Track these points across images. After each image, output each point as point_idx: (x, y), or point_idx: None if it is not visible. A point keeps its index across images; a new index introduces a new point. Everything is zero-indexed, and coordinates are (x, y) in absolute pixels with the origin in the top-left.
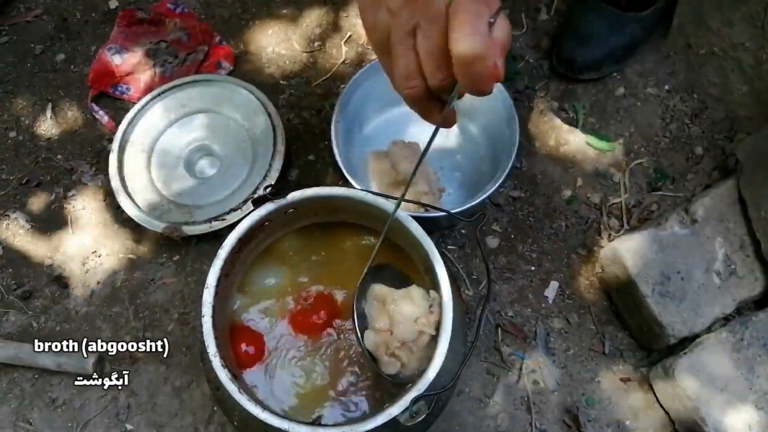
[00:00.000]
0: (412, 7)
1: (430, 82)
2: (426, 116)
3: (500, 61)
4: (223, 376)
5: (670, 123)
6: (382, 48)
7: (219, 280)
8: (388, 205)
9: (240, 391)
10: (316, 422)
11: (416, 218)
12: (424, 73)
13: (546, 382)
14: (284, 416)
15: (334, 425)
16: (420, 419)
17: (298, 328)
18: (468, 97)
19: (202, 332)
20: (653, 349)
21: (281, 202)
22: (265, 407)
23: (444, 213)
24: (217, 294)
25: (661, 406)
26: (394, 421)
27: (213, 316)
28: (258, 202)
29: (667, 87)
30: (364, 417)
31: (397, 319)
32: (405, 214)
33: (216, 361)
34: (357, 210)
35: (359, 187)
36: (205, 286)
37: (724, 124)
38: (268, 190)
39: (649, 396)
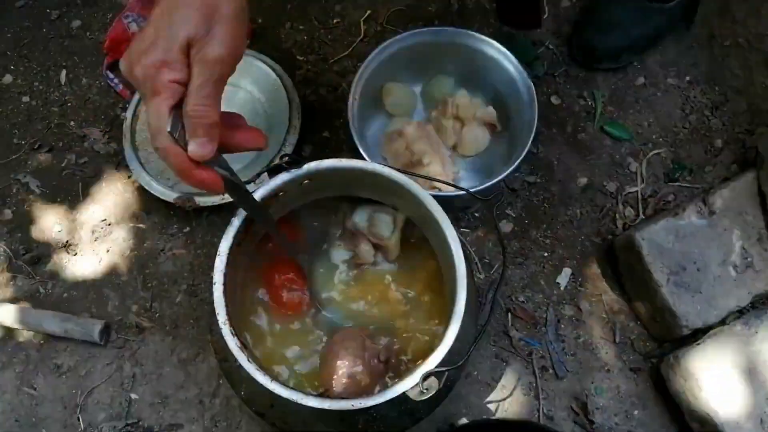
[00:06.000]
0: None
1: None
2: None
3: (198, 171)
4: (233, 344)
5: (690, 114)
6: None
7: (231, 248)
8: (405, 180)
9: (249, 360)
10: (325, 394)
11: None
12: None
13: (555, 369)
14: (293, 387)
15: (342, 398)
16: (429, 395)
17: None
18: (488, 77)
19: (212, 301)
20: (665, 339)
21: (297, 172)
22: (274, 378)
23: (461, 193)
24: (228, 262)
25: (671, 397)
26: (403, 396)
27: (224, 284)
28: (273, 172)
29: (688, 78)
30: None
31: None
32: (420, 189)
33: (225, 330)
34: (372, 184)
35: None
36: (218, 253)
37: (745, 117)
38: (285, 159)
39: (659, 387)
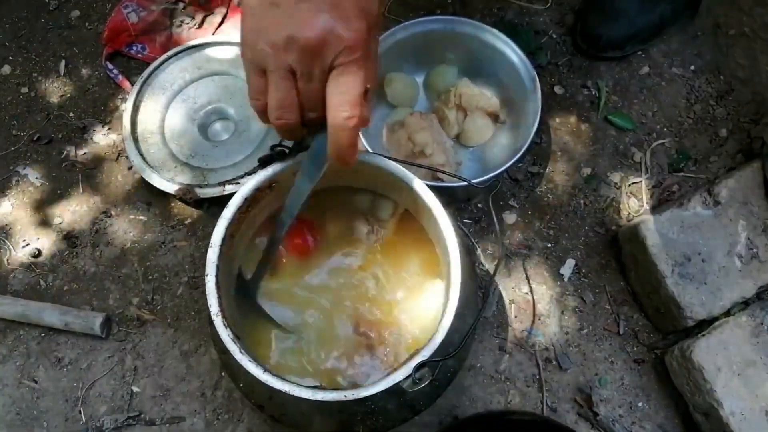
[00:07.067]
0: (298, 55)
1: (306, 117)
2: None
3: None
4: (225, 336)
5: (695, 104)
6: (255, 68)
7: (224, 239)
8: (398, 168)
9: (242, 352)
10: (318, 386)
11: (433, 188)
12: (300, 107)
13: (558, 361)
14: (286, 378)
15: (336, 389)
16: (423, 386)
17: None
18: (491, 67)
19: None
20: (669, 331)
21: (288, 162)
22: (266, 369)
23: (462, 183)
24: (221, 254)
25: (676, 388)
26: (397, 387)
27: (217, 276)
28: (264, 162)
29: (692, 67)
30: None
31: None
32: (415, 179)
33: (218, 321)
34: (368, 174)
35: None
36: (210, 245)
37: (751, 107)
38: (277, 149)
39: (663, 378)
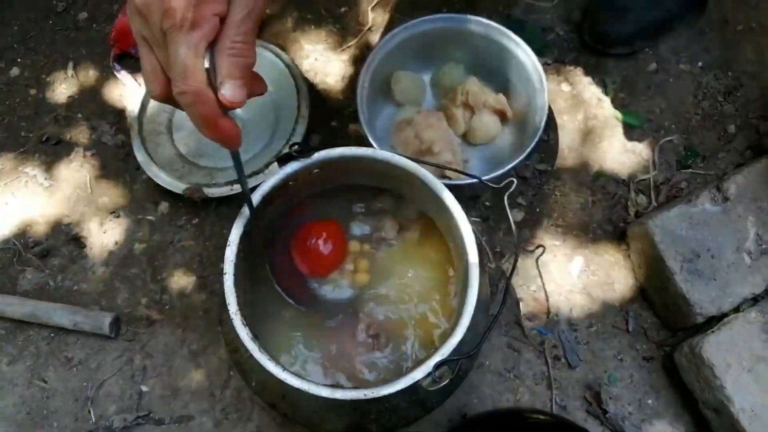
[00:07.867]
0: (138, 20)
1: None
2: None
3: (223, 120)
4: (244, 335)
5: (703, 100)
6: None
7: (241, 238)
8: (416, 168)
9: (261, 351)
10: (336, 384)
11: None
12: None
13: (567, 359)
14: (304, 378)
15: (355, 388)
16: (442, 384)
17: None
18: (498, 64)
19: (222, 292)
20: (678, 328)
21: (307, 161)
22: (285, 368)
23: (471, 181)
24: (239, 252)
25: (685, 385)
26: (415, 385)
27: (235, 274)
28: (283, 161)
29: (700, 64)
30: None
31: None
32: (432, 177)
33: (237, 320)
34: (383, 173)
35: None
36: (227, 243)
37: (759, 103)
38: (294, 148)
39: (672, 375)
